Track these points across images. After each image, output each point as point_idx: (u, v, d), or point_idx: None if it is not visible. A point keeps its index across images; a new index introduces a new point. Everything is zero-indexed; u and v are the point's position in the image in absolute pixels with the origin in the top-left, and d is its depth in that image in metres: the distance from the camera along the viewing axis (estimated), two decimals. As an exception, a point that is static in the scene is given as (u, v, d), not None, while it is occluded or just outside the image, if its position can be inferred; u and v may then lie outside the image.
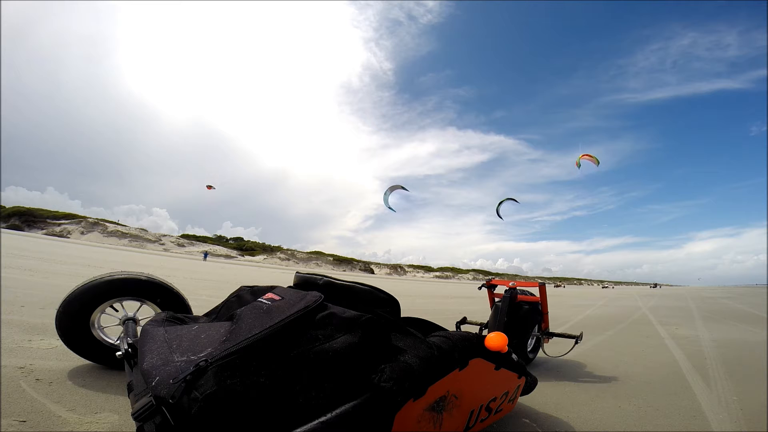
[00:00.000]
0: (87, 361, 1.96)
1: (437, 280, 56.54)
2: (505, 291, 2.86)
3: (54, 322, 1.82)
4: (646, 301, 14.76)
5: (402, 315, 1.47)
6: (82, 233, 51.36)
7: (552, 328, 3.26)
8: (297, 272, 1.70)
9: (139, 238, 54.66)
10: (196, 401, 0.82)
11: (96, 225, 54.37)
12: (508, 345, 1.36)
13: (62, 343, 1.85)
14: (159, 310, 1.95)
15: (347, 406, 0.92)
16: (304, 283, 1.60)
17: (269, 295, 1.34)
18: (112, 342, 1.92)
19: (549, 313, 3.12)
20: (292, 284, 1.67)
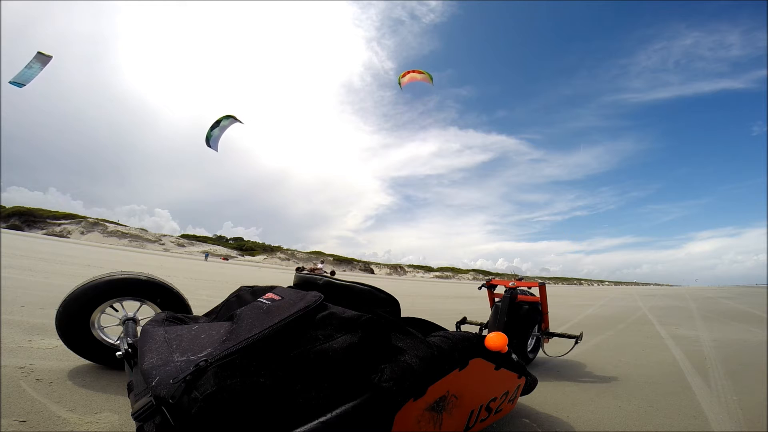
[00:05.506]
0: (87, 361, 1.96)
1: (437, 280, 56.53)
2: (505, 291, 2.86)
3: (54, 322, 1.82)
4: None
5: (402, 315, 1.47)
6: (82, 233, 51.37)
7: (552, 328, 3.26)
8: (297, 272, 1.70)
9: (139, 238, 54.66)
10: (196, 401, 0.82)
11: (96, 225, 54.38)
12: (508, 345, 1.36)
13: (62, 343, 1.85)
14: (159, 310, 1.95)
15: (347, 406, 0.92)
16: (304, 283, 1.60)
17: (269, 295, 1.35)
18: (112, 342, 1.92)
19: (549, 313, 3.13)
20: (292, 284, 1.67)
